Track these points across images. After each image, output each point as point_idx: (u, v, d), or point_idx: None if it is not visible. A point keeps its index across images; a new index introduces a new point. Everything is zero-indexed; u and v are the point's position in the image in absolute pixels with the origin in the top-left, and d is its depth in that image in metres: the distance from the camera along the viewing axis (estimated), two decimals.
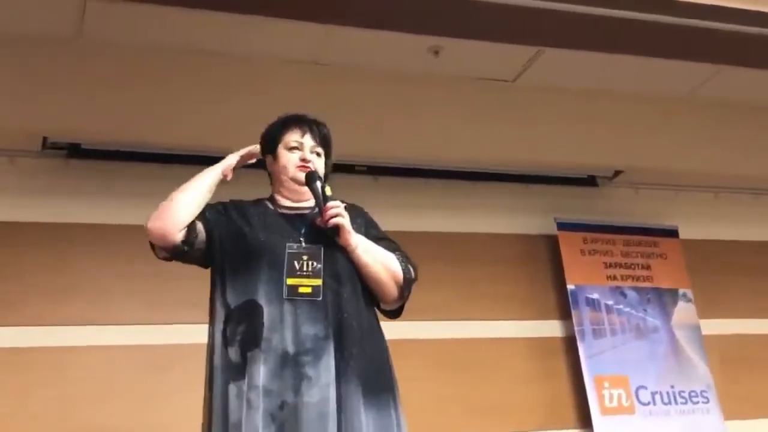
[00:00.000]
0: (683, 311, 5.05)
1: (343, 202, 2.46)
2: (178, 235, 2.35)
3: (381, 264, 2.47)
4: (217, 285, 2.41)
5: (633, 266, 5.10)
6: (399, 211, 4.57)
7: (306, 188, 2.49)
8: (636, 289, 5.04)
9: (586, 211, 5.11)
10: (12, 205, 4.11)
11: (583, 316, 4.81)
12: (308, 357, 2.25)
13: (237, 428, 2.19)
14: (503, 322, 4.74)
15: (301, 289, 2.33)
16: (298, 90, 4.20)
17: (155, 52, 4.04)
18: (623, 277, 5.04)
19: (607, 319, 4.88)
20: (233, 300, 2.34)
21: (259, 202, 2.57)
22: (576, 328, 4.76)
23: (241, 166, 2.62)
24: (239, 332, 2.29)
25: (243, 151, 2.59)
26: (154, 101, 4.08)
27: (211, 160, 4.54)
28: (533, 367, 4.71)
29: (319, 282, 2.35)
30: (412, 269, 2.55)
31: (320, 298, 2.33)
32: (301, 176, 2.49)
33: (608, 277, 5.01)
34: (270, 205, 2.54)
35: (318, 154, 2.58)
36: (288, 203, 2.53)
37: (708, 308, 5.09)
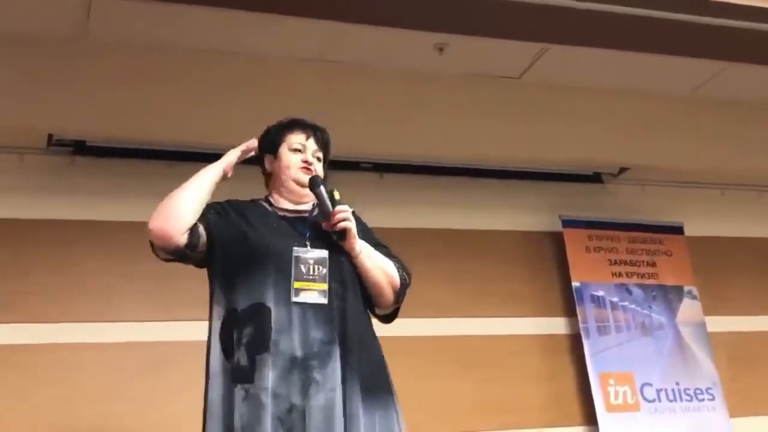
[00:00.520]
0: (688, 308, 5.04)
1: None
2: (182, 238, 2.33)
3: (381, 270, 2.49)
4: (218, 287, 2.39)
5: (638, 263, 5.09)
6: (403, 208, 4.59)
7: (307, 191, 2.50)
8: (641, 286, 5.03)
9: (591, 208, 5.11)
10: (17, 202, 4.11)
11: (588, 313, 4.81)
12: (316, 361, 2.26)
13: (248, 430, 2.18)
14: (508, 319, 4.74)
15: (308, 293, 2.33)
16: (303, 88, 4.21)
17: (160, 49, 4.04)
18: (628, 274, 5.04)
19: (612, 316, 4.87)
20: (239, 302, 2.32)
21: (255, 202, 2.57)
22: (581, 325, 4.76)
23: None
24: (246, 335, 2.27)
25: (242, 147, 2.57)
26: (158, 99, 4.08)
27: (217, 158, 4.56)
28: (538, 364, 4.71)
29: (325, 286, 2.36)
30: (406, 275, 2.58)
31: (326, 303, 2.34)
32: (304, 178, 2.51)
33: (613, 274, 5.01)
34: (268, 207, 2.54)
35: (318, 159, 2.59)
36: (287, 205, 2.54)
37: (713, 305, 5.08)
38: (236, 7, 3.60)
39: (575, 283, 4.86)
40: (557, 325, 4.86)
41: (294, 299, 2.31)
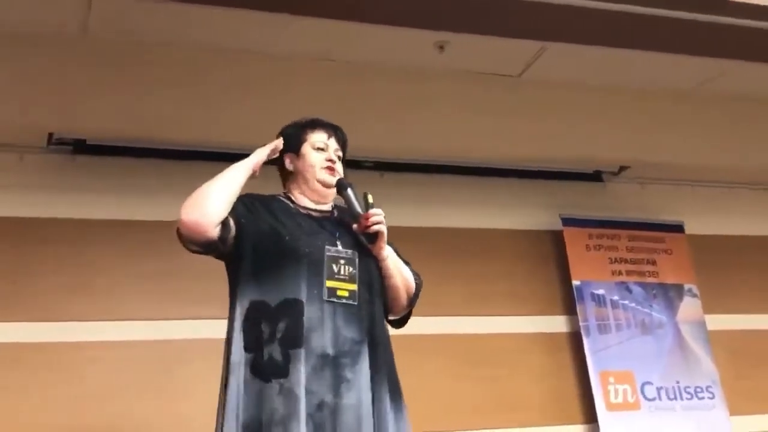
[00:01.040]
0: (689, 307, 5.04)
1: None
2: (215, 231, 2.32)
3: (401, 275, 2.56)
4: (245, 281, 2.38)
5: (638, 261, 5.09)
6: (404, 206, 4.58)
7: (331, 191, 2.55)
8: (641, 284, 5.03)
9: (591, 207, 5.10)
10: (18, 201, 4.11)
11: (588, 312, 4.81)
12: (347, 359, 2.30)
13: (280, 425, 2.19)
14: (508, 317, 4.74)
15: (339, 293, 2.37)
16: (304, 86, 4.21)
17: (160, 48, 4.05)
18: (629, 273, 5.03)
19: (612, 315, 4.87)
20: (269, 297, 2.33)
21: (276, 198, 2.58)
22: (581, 324, 4.76)
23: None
24: (280, 329, 2.28)
25: (271, 146, 2.56)
26: (159, 98, 4.07)
27: (217, 157, 4.57)
28: (539, 363, 4.71)
29: (355, 287, 2.40)
30: (419, 281, 2.64)
31: (356, 303, 2.38)
32: (329, 178, 2.54)
33: (613, 273, 5.00)
34: (291, 204, 2.56)
35: (339, 158, 2.62)
36: (309, 203, 2.56)
37: (714, 304, 5.08)
38: (239, 6, 3.60)
39: (575, 282, 4.86)
40: (557, 324, 4.86)
41: (326, 298, 2.34)
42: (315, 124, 2.63)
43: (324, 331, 2.29)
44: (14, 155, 4.18)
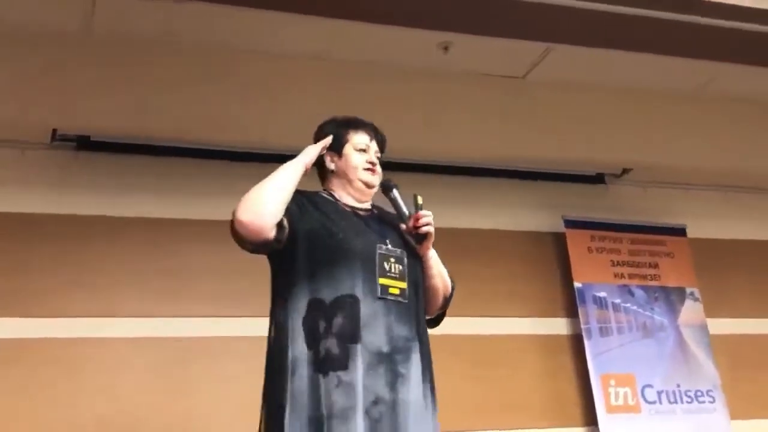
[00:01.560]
0: (690, 310, 5.04)
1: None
2: (272, 232, 2.35)
3: (440, 276, 2.64)
4: (299, 280, 2.39)
5: (640, 264, 5.08)
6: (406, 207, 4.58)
7: (372, 191, 2.61)
8: (643, 287, 5.03)
9: (593, 209, 5.10)
10: (21, 197, 4.11)
11: (589, 314, 4.80)
12: (400, 356, 2.35)
13: (339, 417, 2.21)
14: (510, 319, 4.73)
15: (391, 290, 2.42)
16: (305, 86, 4.22)
17: (164, 46, 4.06)
18: (630, 276, 5.03)
19: (614, 318, 4.87)
20: (323, 294, 2.36)
21: (320, 195, 2.61)
22: (583, 326, 4.75)
23: None
24: (336, 325, 2.31)
25: (322, 144, 2.60)
26: (163, 95, 4.08)
27: (219, 155, 4.57)
28: (540, 365, 4.70)
29: (405, 285, 2.45)
30: (453, 284, 2.71)
31: (406, 301, 2.44)
32: (372, 179, 2.60)
33: (615, 275, 5.00)
34: (338, 202, 2.59)
35: (378, 159, 2.67)
36: (352, 202, 2.60)
37: (715, 307, 5.07)
38: (241, 5, 3.60)
39: (577, 284, 4.86)
40: (559, 326, 4.86)
41: (380, 295, 2.38)
42: (357, 125, 2.67)
43: (378, 328, 2.34)
44: (16, 151, 4.18)
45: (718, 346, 4.96)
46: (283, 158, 2.45)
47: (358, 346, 2.29)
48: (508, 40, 4.02)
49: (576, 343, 4.80)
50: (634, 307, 4.95)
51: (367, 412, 2.24)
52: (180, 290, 4.16)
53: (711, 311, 5.04)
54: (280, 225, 2.37)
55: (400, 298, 2.42)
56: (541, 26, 3.85)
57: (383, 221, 2.60)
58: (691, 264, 5.15)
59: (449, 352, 4.51)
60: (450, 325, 4.53)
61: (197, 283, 4.17)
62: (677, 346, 4.92)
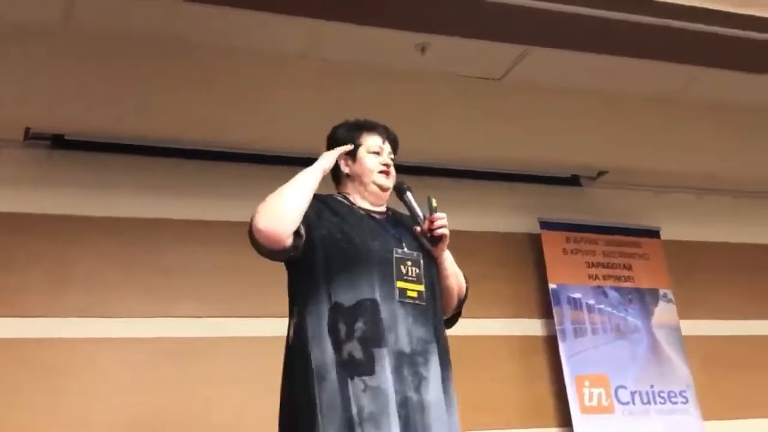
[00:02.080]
0: (664, 312, 5.08)
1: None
2: (290, 239, 2.36)
3: (455, 277, 2.67)
4: (319, 285, 2.39)
5: (615, 266, 5.12)
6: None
7: (387, 194, 2.62)
8: (617, 289, 5.06)
9: (569, 211, 5.13)
10: None
11: (564, 315, 4.83)
12: (421, 358, 2.38)
13: (371, 422, 2.22)
14: (485, 320, 4.72)
15: (409, 293, 2.44)
16: (283, 85, 4.20)
17: (140, 42, 4.01)
18: (605, 277, 5.07)
19: (588, 319, 4.90)
20: (341, 298, 2.36)
21: (334, 198, 2.61)
22: (557, 327, 4.78)
23: None
24: (358, 329, 2.32)
25: (339, 150, 2.61)
26: (138, 92, 4.04)
27: (196, 154, 4.54)
28: (514, 365, 4.72)
29: (422, 287, 2.47)
30: (467, 284, 2.73)
31: (425, 304, 2.45)
32: (386, 182, 2.61)
33: (590, 277, 5.03)
34: (353, 206, 2.59)
35: (391, 161, 2.67)
36: (367, 205, 2.61)
37: (688, 309, 5.12)
38: (220, 3, 3.58)
39: (552, 285, 4.88)
40: (533, 327, 4.88)
41: (398, 298, 2.39)
42: (369, 127, 2.68)
43: (399, 331, 2.36)
44: None
45: (691, 347, 5.01)
46: (262, 158, 2.45)
47: (384, 350, 2.30)
48: (486, 42, 4.03)
49: (550, 344, 4.82)
50: (609, 309, 4.98)
51: (398, 415, 2.26)
52: (154, 290, 4.13)
53: (684, 313, 5.09)
54: (297, 232, 2.38)
55: (417, 301, 2.43)
56: (519, 29, 3.85)
57: (398, 224, 2.61)
58: (664, 266, 5.19)
59: None
60: None
61: (185, 284, 4.16)
62: (650, 348, 4.95)
